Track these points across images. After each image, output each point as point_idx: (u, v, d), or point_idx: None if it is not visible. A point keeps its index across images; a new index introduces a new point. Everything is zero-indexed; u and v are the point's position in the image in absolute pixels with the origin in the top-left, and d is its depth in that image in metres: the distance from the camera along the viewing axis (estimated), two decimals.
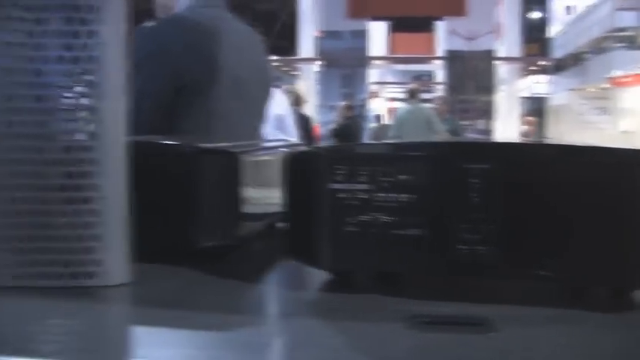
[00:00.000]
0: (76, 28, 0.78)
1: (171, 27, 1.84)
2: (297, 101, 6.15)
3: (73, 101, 0.79)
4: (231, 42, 1.85)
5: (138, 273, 0.81)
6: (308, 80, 11.38)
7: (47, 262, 0.78)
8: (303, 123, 5.83)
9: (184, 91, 1.74)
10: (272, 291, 0.90)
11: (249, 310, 0.79)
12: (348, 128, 9.60)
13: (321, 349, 0.59)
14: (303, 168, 0.78)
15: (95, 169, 0.78)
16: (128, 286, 0.80)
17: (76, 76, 0.78)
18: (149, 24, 1.90)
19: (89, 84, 0.78)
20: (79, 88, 0.79)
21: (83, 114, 0.78)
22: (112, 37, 0.79)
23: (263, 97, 2.08)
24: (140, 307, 0.79)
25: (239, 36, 1.96)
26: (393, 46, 15.40)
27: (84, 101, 0.78)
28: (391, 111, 13.97)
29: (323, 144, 6.28)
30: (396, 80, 16.17)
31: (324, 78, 11.56)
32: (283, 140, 3.32)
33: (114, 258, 0.80)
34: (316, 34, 12.08)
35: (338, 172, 0.71)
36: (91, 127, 0.78)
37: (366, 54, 12.58)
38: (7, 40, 0.78)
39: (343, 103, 9.93)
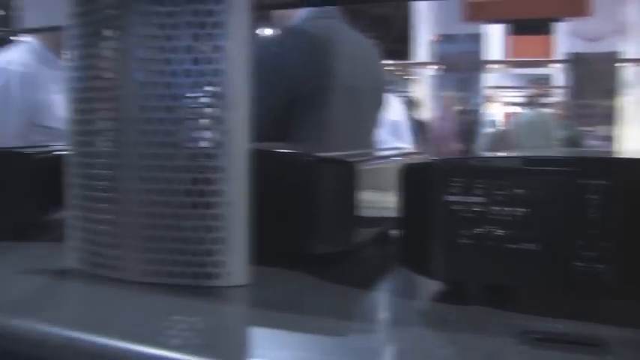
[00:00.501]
0: (202, 44, 0.83)
1: (287, 39, 1.89)
2: (413, 106, 6.11)
3: (199, 111, 0.84)
4: (345, 52, 1.88)
5: (256, 275, 0.85)
6: (424, 84, 11.29)
7: (173, 261, 0.84)
8: (420, 128, 5.79)
9: (299, 101, 1.78)
10: (384, 298, 0.91)
11: (362, 316, 0.81)
12: (464, 133, 9.43)
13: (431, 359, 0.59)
14: (419, 179, 0.78)
15: (219, 176, 0.82)
16: (247, 287, 0.84)
17: (203, 89, 0.83)
18: (266, 35, 1.98)
19: (215, 95, 0.83)
20: (205, 100, 0.84)
21: (209, 123, 0.83)
22: (236, 51, 0.84)
23: (377, 106, 2.09)
24: (258, 309, 0.82)
25: (353, 45, 1.99)
26: (510, 49, 14.93)
27: (210, 111, 0.83)
28: (508, 115, 13.51)
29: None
30: (512, 84, 15.64)
31: (440, 82, 11.38)
32: (398, 148, 3.32)
33: (235, 260, 0.84)
34: (432, 37, 11.92)
35: (453, 184, 0.71)
36: (216, 136, 0.83)
37: (483, 57, 12.25)
38: (141, 56, 0.85)
39: (458, 108, 9.80)
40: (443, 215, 0.72)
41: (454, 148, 8.94)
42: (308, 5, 1.88)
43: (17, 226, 1.17)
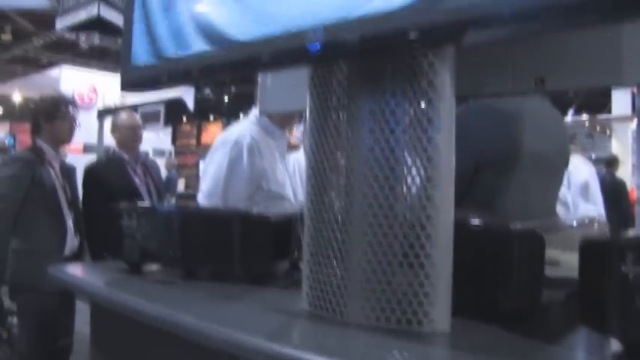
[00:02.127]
0: (419, 136, 1.06)
1: (476, 113, 2.05)
2: (611, 163, 5.81)
3: (414, 190, 1.06)
4: (531, 121, 1.98)
5: (456, 325, 1.04)
6: (623, 140, 10.51)
7: (390, 309, 1.06)
8: (617, 187, 5.50)
9: (486, 168, 1.92)
10: (568, 354, 1.04)
11: None
12: None
13: None
14: (599, 251, 0.92)
15: (429, 243, 1.04)
16: (448, 335, 1.04)
17: (417, 172, 1.06)
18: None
19: (427, 178, 1.05)
20: (418, 180, 1.06)
21: (422, 200, 1.06)
22: (444, 141, 1.06)
23: (561, 170, 2.15)
24: (460, 352, 1.01)
25: (539, 114, 2.08)
26: None
27: (422, 190, 1.06)
28: None
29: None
30: None
31: None
32: (585, 213, 3.26)
33: (439, 311, 1.04)
34: (632, 89, 11.07)
35: (631, 258, 0.84)
36: (428, 210, 1.05)
37: None
38: (370, 147, 1.10)
39: None
40: (619, 283, 0.85)
41: None
42: None
43: (255, 274, 1.49)
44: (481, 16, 0.85)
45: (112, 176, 3.24)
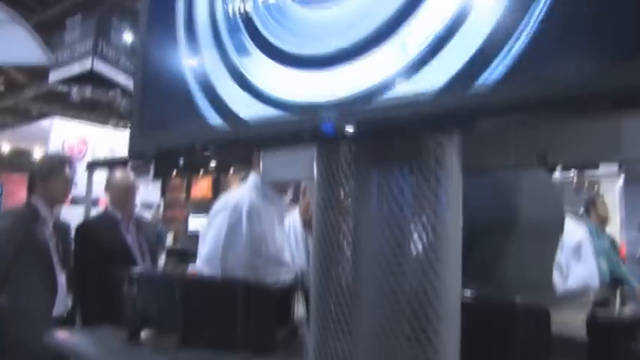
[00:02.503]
0: (426, 212, 1.08)
1: (473, 181, 2.08)
2: (600, 219, 5.86)
3: (422, 266, 1.07)
4: (528, 189, 2.02)
5: None
6: (612, 195, 10.65)
7: None
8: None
9: (483, 236, 1.94)
10: None
11: None
12: None
13: None
14: (606, 328, 0.93)
15: (436, 318, 1.04)
16: None
17: (424, 248, 1.07)
18: None
19: (434, 254, 1.07)
20: (425, 256, 1.07)
21: (429, 276, 1.07)
22: (451, 217, 1.08)
23: (557, 238, 2.18)
24: None
25: (535, 182, 2.12)
26: None
27: (429, 266, 1.07)
28: None
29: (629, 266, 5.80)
30: None
31: (630, 192, 10.63)
32: (577, 274, 3.28)
33: None
34: None
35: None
36: (435, 286, 1.06)
37: None
38: (377, 222, 1.12)
39: None
40: (626, 357, 0.87)
41: None
42: None
43: (255, 344, 1.48)
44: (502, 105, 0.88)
45: (103, 235, 3.23)
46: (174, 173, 9.99)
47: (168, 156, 1.30)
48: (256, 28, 1.15)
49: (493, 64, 0.87)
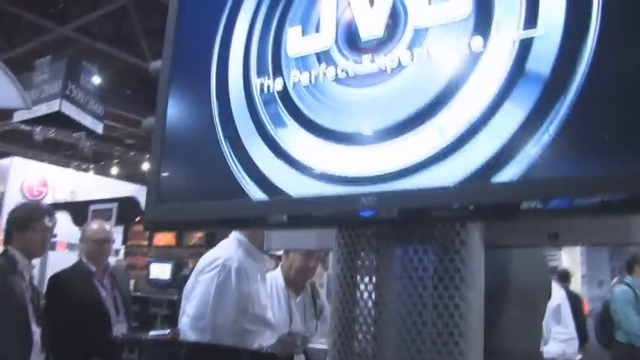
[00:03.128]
0: (450, 293, 1.09)
1: None
2: (564, 277, 5.97)
3: (442, 340, 1.07)
4: (517, 257, 2.06)
5: None
6: (572, 251, 10.87)
7: None
8: (572, 301, 5.62)
9: None
10: None
11: None
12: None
13: None
14: None
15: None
16: None
17: (447, 330, 1.08)
18: None
19: (458, 335, 1.07)
20: (449, 339, 1.07)
21: (453, 356, 1.06)
22: (475, 297, 1.09)
23: (544, 303, 2.22)
24: None
25: (524, 250, 2.16)
26: None
27: (451, 342, 1.07)
28: None
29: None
30: None
31: (591, 249, 10.86)
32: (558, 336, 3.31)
33: None
34: None
35: None
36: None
37: None
38: (405, 305, 1.12)
39: (615, 280, 9.23)
40: None
41: None
42: None
43: None
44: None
45: (77, 288, 3.12)
46: (137, 220, 9.79)
47: (194, 227, 1.27)
48: (292, 101, 1.17)
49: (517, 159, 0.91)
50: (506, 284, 2.02)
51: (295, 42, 1.23)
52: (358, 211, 1.03)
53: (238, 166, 1.21)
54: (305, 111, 1.16)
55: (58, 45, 9.28)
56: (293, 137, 1.17)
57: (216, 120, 1.27)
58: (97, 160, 15.14)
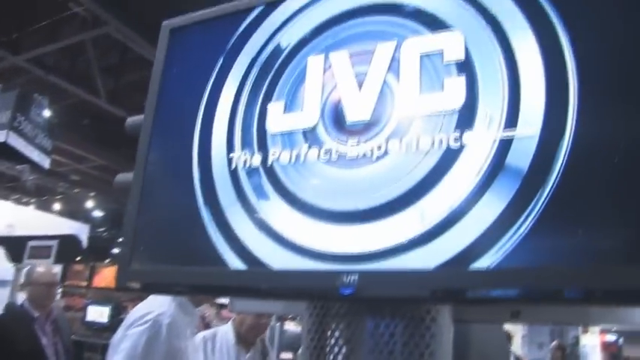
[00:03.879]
0: None
1: None
2: (507, 339, 6.06)
3: None
4: (476, 334, 2.10)
5: None
6: None
7: None
8: None
9: None
10: None
11: None
12: None
13: None
14: None
15: None
16: None
17: None
18: None
19: None
20: None
21: None
22: None
23: None
24: None
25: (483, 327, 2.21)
26: None
27: None
28: (606, 346, 12.59)
29: None
30: None
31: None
32: None
33: None
34: None
35: None
36: None
37: None
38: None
39: (555, 342, 9.39)
40: None
41: None
42: None
43: None
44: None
45: (17, 334, 2.99)
46: (77, 259, 9.49)
47: (168, 292, 1.25)
48: (276, 175, 1.19)
49: (494, 249, 0.96)
50: (469, 355, 2.05)
51: (277, 118, 1.26)
52: (338, 289, 1.04)
53: (218, 234, 1.21)
54: (288, 185, 1.18)
55: (9, 74, 9.08)
56: (275, 210, 1.19)
57: (197, 186, 1.28)
58: (39, 195, 14.66)
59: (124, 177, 1.50)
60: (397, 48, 1.17)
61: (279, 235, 1.15)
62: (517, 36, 1.05)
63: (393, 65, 1.16)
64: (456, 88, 1.08)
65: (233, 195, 1.22)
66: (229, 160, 1.26)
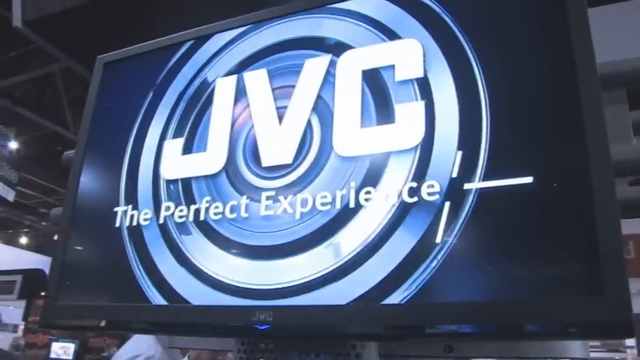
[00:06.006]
0: None
1: None
2: None
3: None
4: None
5: None
6: None
7: None
8: None
9: None
10: None
11: None
12: None
13: None
14: None
15: None
16: None
17: None
18: None
19: None
20: None
21: None
22: None
23: None
24: None
25: None
26: None
27: None
28: None
29: None
30: None
31: None
32: None
33: None
34: None
35: None
36: None
37: None
38: None
39: None
40: None
41: None
42: None
43: None
44: None
45: None
46: (42, 295, 9.24)
47: (92, 330, 1.22)
48: (198, 211, 1.19)
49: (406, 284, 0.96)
50: None
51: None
52: (253, 324, 1.03)
53: (141, 269, 1.20)
54: (210, 221, 1.18)
55: None
56: (196, 245, 1.18)
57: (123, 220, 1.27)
58: (4, 228, 14.38)
59: (57, 211, 1.48)
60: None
61: (199, 270, 1.14)
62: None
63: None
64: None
65: (156, 230, 1.21)
66: (154, 194, 1.25)
